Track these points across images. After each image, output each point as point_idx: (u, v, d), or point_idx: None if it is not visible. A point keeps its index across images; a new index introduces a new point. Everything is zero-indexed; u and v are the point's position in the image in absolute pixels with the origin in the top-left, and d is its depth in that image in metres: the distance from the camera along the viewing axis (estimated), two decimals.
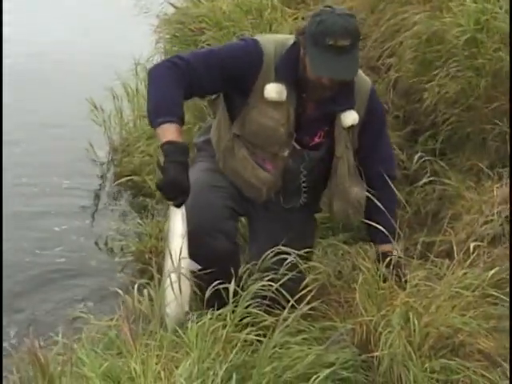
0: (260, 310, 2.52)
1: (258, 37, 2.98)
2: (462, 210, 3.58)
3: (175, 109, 2.68)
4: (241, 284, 2.55)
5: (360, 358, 2.47)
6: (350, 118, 2.90)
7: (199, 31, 5.68)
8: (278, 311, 2.53)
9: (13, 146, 5.60)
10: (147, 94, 2.82)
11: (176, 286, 2.52)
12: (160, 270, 2.62)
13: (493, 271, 2.61)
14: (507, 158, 3.68)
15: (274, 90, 2.82)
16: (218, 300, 2.54)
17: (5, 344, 2.81)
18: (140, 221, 4.41)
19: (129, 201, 5.02)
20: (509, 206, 3.24)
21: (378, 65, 4.78)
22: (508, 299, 2.58)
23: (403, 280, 2.69)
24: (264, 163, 2.93)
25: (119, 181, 5.02)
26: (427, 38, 4.35)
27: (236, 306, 2.45)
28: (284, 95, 2.83)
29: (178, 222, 2.60)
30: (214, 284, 2.52)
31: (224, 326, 2.39)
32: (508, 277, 2.72)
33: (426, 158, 3.88)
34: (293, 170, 2.97)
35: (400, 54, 4.60)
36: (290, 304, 2.48)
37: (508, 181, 3.43)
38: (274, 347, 2.37)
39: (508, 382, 2.38)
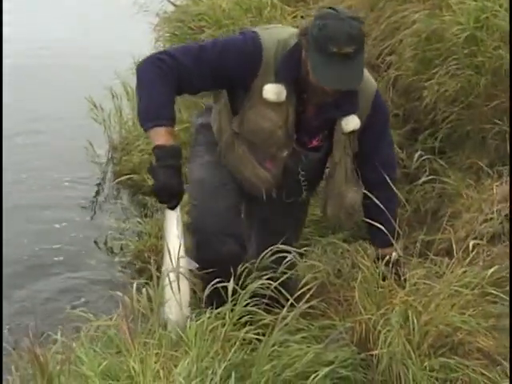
0: (259, 309, 2.52)
1: (260, 31, 2.82)
2: (461, 208, 3.57)
3: (164, 111, 2.64)
4: (240, 282, 2.55)
5: (359, 356, 2.47)
6: (352, 123, 2.81)
7: (199, 29, 5.68)
8: (277, 310, 2.53)
9: (13, 144, 5.62)
10: (136, 95, 2.78)
11: (175, 286, 2.52)
12: (159, 270, 2.62)
13: (492, 269, 2.61)
14: (507, 157, 3.68)
15: (272, 91, 2.72)
16: (217, 298, 2.53)
17: (4, 343, 2.80)
18: (139, 219, 4.42)
19: (128, 199, 5.03)
20: (508, 204, 3.23)
21: (377, 63, 4.76)
22: (508, 298, 2.57)
23: (402, 279, 2.68)
24: (264, 162, 2.89)
25: (119, 179, 5.03)
26: (427, 36, 4.34)
27: (235, 305, 2.45)
28: (283, 96, 2.73)
29: (172, 223, 2.61)
30: (212, 283, 2.52)
31: (223, 325, 2.39)
32: (508, 275, 2.71)
33: (426, 157, 3.88)
34: (291, 169, 2.93)
35: (400, 52, 4.59)
36: (289, 302, 2.48)
37: (508, 179, 3.43)
38: (273, 346, 2.37)
39: (508, 380, 2.37)
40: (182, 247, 2.59)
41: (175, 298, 2.52)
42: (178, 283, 2.53)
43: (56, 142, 5.93)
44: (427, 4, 4.62)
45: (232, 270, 2.58)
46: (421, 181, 3.54)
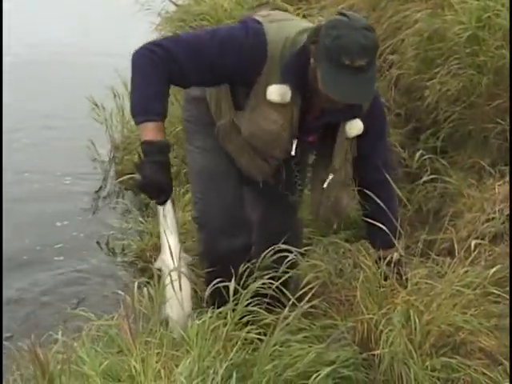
0: (260, 308, 2.51)
1: (266, 24, 2.64)
2: (463, 207, 3.58)
3: (154, 105, 2.55)
4: (241, 282, 2.55)
5: (361, 356, 2.46)
6: (356, 128, 2.72)
7: (201, 29, 5.67)
8: (279, 309, 2.53)
9: (14, 144, 5.62)
10: (130, 87, 2.66)
11: (175, 283, 2.52)
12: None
13: (494, 269, 2.60)
14: (509, 156, 3.67)
15: (277, 93, 2.60)
16: (219, 298, 2.54)
17: (5, 342, 2.80)
18: (141, 219, 4.41)
19: (130, 199, 5.02)
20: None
21: (379, 62, 4.76)
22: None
23: (404, 278, 2.67)
24: (263, 156, 2.83)
25: (121, 179, 5.02)
26: (429, 35, 4.34)
27: (236, 304, 2.44)
28: (288, 97, 2.60)
29: (163, 219, 2.59)
30: (214, 282, 2.53)
31: (224, 325, 2.39)
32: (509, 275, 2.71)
33: (428, 156, 3.88)
34: (286, 160, 2.86)
35: (402, 52, 4.59)
36: (290, 302, 2.48)
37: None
38: (275, 345, 2.37)
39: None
40: (175, 242, 2.58)
41: (176, 296, 2.52)
42: (171, 278, 2.53)
43: (58, 142, 5.94)
44: (429, 3, 4.63)
45: (240, 262, 2.60)
46: (422, 180, 3.54)
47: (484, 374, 2.36)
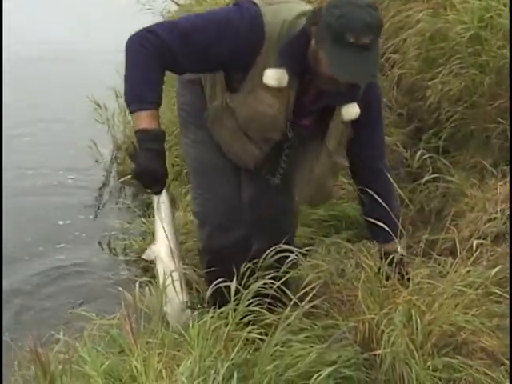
0: (262, 308, 2.51)
1: (263, 7, 2.58)
2: (465, 207, 3.57)
3: (148, 94, 2.52)
4: (242, 282, 2.54)
5: (362, 356, 2.46)
6: (353, 112, 2.68)
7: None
8: (280, 309, 2.53)
9: (16, 143, 5.63)
10: (124, 75, 2.59)
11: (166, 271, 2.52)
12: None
13: (496, 269, 2.60)
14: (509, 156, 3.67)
15: (273, 77, 2.55)
16: (221, 298, 2.54)
17: (5, 342, 2.80)
18: (143, 219, 4.41)
19: (132, 198, 5.02)
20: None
21: (381, 62, 4.76)
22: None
23: (406, 278, 2.67)
24: (255, 139, 2.79)
25: (122, 179, 5.03)
26: (431, 35, 4.34)
27: (238, 304, 2.44)
28: (285, 81, 2.56)
29: (157, 208, 2.58)
30: (215, 282, 2.52)
31: (226, 325, 2.38)
32: None
33: (429, 156, 3.87)
34: (278, 145, 2.81)
35: (403, 52, 4.60)
36: (292, 302, 2.47)
37: None
38: (276, 345, 2.36)
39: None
40: (169, 233, 2.57)
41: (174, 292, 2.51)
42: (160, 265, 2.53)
43: (60, 141, 5.94)
44: (431, 3, 4.63)
45: (241, 257, 2.62)
46: (424, 180, 3.53)
47: (486, 374, 2.36)
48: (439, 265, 2.73)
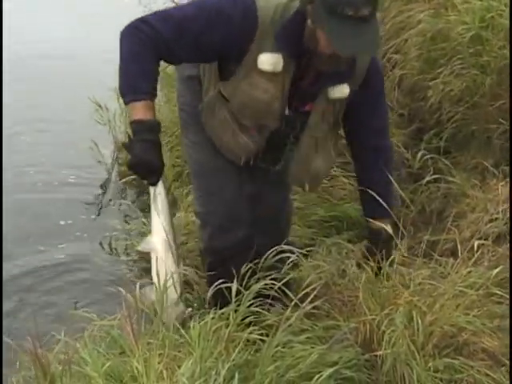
0: (263, 309, 2.51)
1: None
2: (466, 208, 3.57)
3: (142, 84, 2.49)
4: (244, 283, 2.54)
5: (363, 357, 2.46)
6: (338, 91, 2.66)
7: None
8: (281, 310, 2.53)
9: (17, 143, 5.63)
10: (118, 66, 2.56)
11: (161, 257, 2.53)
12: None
13: (497, 270, 2.60)
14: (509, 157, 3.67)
15: (268, 62, 2.53)
16: (222, 299, 2.54)
17: (6, 343, 2.80)
18: (144, 220, 4.41)
19: (133, 199, 5.02)
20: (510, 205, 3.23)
21: (383, 62, 4.76)
22: None
23: (386, 259, 2.64)
24: (248, 129, 2.74)
25: (124, 179, 5.02)
26: (432, 35, 4.34)
27: (239, 305, 2.44)
28: (280, 66, 2.54)
29: (153, 199, 2.57)
30: (216, 283, 2.52)
31: (226, 326, 2.38)
32: None
33: (430, 156, 3.87)
34: (282, 135, 2.78)
35: (405, 52, 4.60)
36: (293, 303, 2.47)
37: None
38: (277, 346, 2.36)
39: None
40: (165, 224, 2.56)
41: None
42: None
43: (61, 142, 5.94)
44: (432, 4, 4.63)
45: (243, 258, 2.62)
46: (425, 180, 3.53)
47: (487, 374, 2.36)
48: (440, 265, 2.74)
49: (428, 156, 3.95)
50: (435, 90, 4.17)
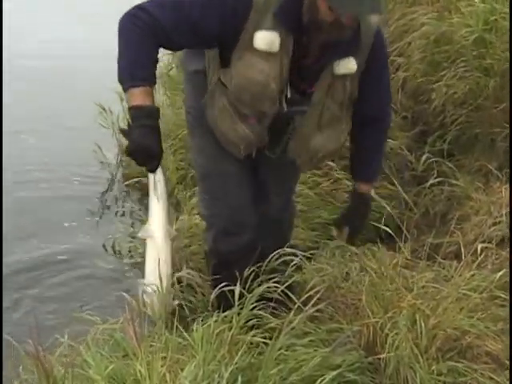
0: (266, 312, 2.51)
1: None
2: (470, 211, 3.57)
3: (139, 71, 2.44)
4: (247, 286, 2.54)
5: (366, 360, 2.46)
6: (344, 67, 2.59)
7: None
8: (284, 313, 2.53)
9: (21, 145, 5.63)
10: (117, 54, 2.51)
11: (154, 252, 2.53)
12: None
13: (501, 273, 2.60)
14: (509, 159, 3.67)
15: (263, 40, 2.48)
16: (225, 301, 2.54)
17: (7, 345, 2.80)
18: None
19: (137, 202, 5.02)
20: None
21: None
22: None
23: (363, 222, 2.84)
24: (247, 118, 2.68)
25: (127, 182, 5.02)
26: (435, 38, 4.34)
27: (242, 308, 2.44)
28: (276, 45, 2.48)
29: (154, 187, 2.55)
30: (220, 286, 2.52)
31: (230, 329, 2.38)
32: None
33: (435, 159, 3.87)
34: (286, 118, 2.73)
35: (408, 55, 4.60)
36: (296, 306, 2.47)
37: None
38: (280, 349, 2.36)
39: None
40: (163, 211, 2.55)
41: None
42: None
43: (64, 145, 5.93)
44: (436, 6, 4.63)
45: (247, 261, 2.64)
46: (429, 183, 3.53)
47: (491, 378, 2.36)
48: (444, 268, 2.74)
49: (432, 159, 3.95)
50: (439, 93, 4.17)
